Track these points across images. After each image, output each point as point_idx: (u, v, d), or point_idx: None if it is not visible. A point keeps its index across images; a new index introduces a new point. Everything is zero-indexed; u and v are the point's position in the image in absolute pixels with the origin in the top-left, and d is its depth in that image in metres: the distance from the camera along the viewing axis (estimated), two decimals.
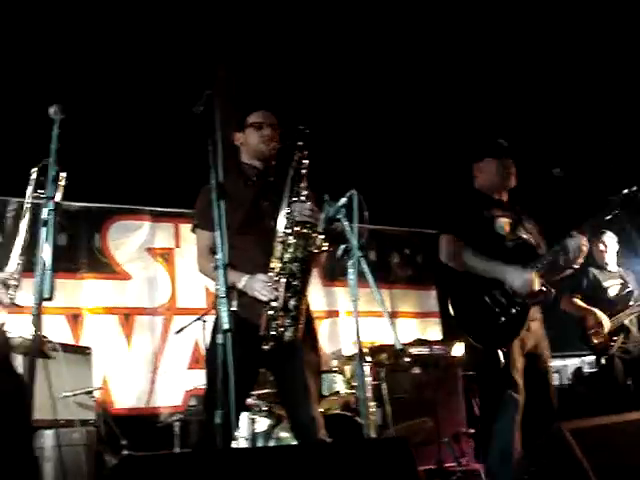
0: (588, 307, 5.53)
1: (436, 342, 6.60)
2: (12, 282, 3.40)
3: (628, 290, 5.64)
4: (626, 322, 5.53)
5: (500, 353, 3.61)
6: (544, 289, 3.71)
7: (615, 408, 3.34)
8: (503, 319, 3.69)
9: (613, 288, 5.70)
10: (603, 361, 5.53)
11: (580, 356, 8.63)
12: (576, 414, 3.63)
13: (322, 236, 3.33)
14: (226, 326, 2.76)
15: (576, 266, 3.84)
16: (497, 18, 5.84)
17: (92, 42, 5.28)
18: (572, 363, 8.23)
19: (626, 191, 3.75)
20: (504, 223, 3.91)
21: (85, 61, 5.36)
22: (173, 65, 5.53)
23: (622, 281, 5.71)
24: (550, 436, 2.69)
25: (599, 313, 5.49)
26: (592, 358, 8.37)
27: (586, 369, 8.44)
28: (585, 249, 3.76)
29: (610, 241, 5.68)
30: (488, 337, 3.70)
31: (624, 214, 3.77)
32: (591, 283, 5.67)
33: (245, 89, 5.03)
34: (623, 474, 2.65)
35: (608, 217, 3.78)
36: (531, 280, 3.66)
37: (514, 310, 3.69)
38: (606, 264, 5.74)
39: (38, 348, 3.20)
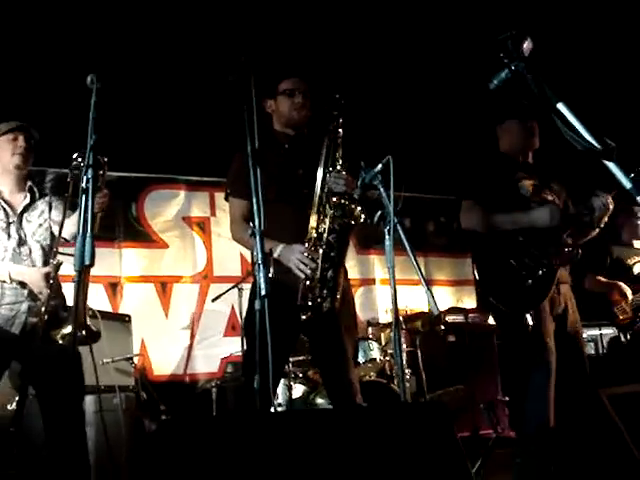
0: (612, 282, 5.44)
1: (471, 310, 6.59)
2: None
3: None
4: None
5: (528, 317, 3.56)
6: (571, 249, 3.68)
7: None
8: (530, 282, 3.61)
9: (637, 265, 5.58)
10: (626, 337, 5.45)
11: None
12: (612, 383, 3.62)
13: (359, 207, 3.31)
14: (264, 292, 2.78)
15: (601, 225, 3.79)
16: None
17: (128, 11, 5.28)
18: (608, 332, 8.17)
19: None
20: (528, 185, 3.84)
21: (121, 30, 5.35)
22: (208, 32, 5.51)
23: None
24: (588, 401, 2.69)
25: (624, 286, 5.40)
26: None
27: (623, 338, 8.38)
28: (611, 207, 3.72)
29: None
30: (516, 301, 3.64)
31: None
32: (614, 261, 5.57)
33: (278, 56, 4.99)
34: None
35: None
36: (558, 212, 3.64)
37: (541, 272, 3.62)
38: (633, 241, 5.62)
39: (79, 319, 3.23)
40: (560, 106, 1.98)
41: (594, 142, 1.94)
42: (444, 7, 5.81)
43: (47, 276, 3.46)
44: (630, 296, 5.36)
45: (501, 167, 3.90)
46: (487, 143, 4.14)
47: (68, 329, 3.32)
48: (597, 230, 3.84)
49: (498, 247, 3.72)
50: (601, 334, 7.25)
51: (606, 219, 3.78)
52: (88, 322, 3.52)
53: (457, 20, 5.94)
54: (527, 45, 2.06)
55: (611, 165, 1.95)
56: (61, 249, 3.55)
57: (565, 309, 3.76)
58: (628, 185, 1.93)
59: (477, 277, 3.82)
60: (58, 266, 3.50)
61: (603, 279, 5.50)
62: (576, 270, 4.19)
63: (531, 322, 3.56)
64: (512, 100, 3.97)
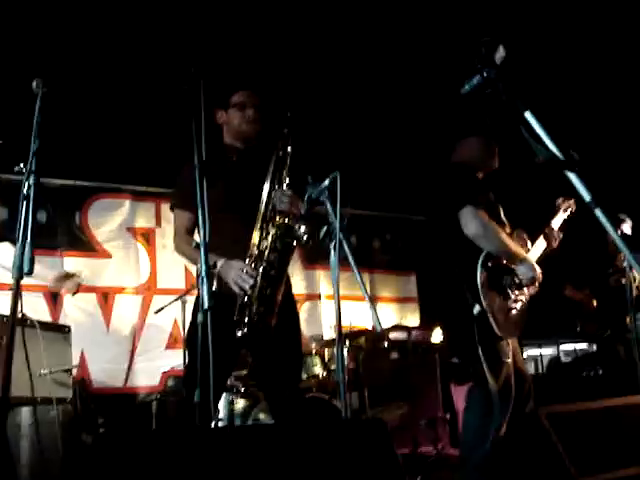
0: (589, 294, 5.46)
1: (415, 328, 6.63)
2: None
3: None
4: None
5: (508, 343, 3.48)
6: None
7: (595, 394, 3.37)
8: (514, 306, 3.55)
9: (613, 278, 5.60)
10: (594, 348, 5.52)
11: (558, 345, 8.74)
12: (551, 401, 3.67)
13: (303, 227, 3.30)
14: (206, 305, 2.75)
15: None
16: None
17: (75, 16, 5.21)
18: (547, 352, 8.32)
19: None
20: (501, 210, 3.82)
21: (68, 35, 5.28)
22: (158, 41, 5.47)
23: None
24: (526, 420, 2.72)
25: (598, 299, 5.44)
26: (569, 347, 8.44)
27: (563, 358, 8.54)
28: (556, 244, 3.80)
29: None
30: (505, 324, 3.48)
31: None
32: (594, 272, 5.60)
33: (231, 69, 4.98)
34: (595, 457, 2.68)
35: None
36: (538, 276, 3.59)
37: (524, 299, 3.60)
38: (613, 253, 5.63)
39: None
40: (527, 115, 2.01)
41: (558, 152, 1.97)
42: (394, 23, 5.86)
43: None
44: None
45: (482, 182, 3.81)
46: (437, 161, 4.14)
47: None
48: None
49: (494, 262, 3.57)
50: (541, 354, 7.38)
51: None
52: None
53: (406, 37, 6.01)
54: (500, 53, 2.08)
55: (572, 176, 1.98)
56: None
57: None
58: (587, 197, 1.96)
59: (478, 285, 3.47)
60: None
61: (580, 291, 5.54)
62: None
63: (510, 348, 3.50)
64: (475, 120, 4.00)
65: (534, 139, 1.99)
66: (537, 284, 3.60)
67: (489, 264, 3.51)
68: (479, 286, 3.43)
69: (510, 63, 2.09)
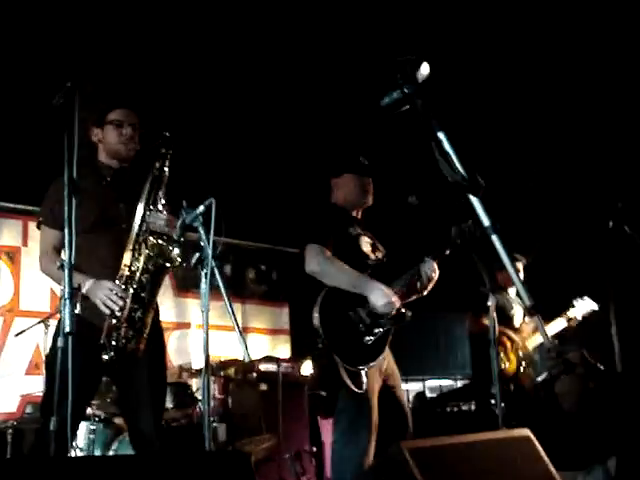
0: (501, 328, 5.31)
1: (285, 359, 6.62)
2: None
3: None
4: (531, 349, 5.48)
5: (363, 373, 3.52)
6: (404, 311, 3.66)
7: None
8: (368, 339, 3.59)
9: (517, 316, 5.62)
10: (509, 388, 5.45)
11: (423, 380, 8.95)
12: (418, 435, 3.71)
13: (177, 249, 3.25)
14: (68, 329, 2.64)
15: (425, 292, 3.88)
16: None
17: None
18: (414, 387, 8.51)
19: (463, 225, 3.87)
20: (366, 242, 3.88)
21: None
22: (32, 54, 5.29)
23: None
24: (389, 455, 2.74)
25: (510, 332, 5.43)
26: (434, 383, 8.67)
27: (428, 393, 8.75)
28: (435, 275, 3.84)
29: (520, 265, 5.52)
30: (354, 356, 3.55)
31: (462, 245, 3.85)
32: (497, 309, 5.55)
33: (107, 85, 4.86)
34: None
35: (448, 248, 3.90)
36: (394, 302, 3.59)
37: (377, 330, 3.62)
38: (508, 288, 5.62)
39: None
40: (440, 135, 2.05)
41: (465, 176, 2.01)
42: (278, 44, 5.89)
43: None
44: (517, 340, 5.42)
45: (341, 218, 3.89)
46: (314, 194, 4.18)
47: None
48: (422, 294, 3.92)
49: (338, 297, 3.62)
50: (407, 390, 7.52)
51: (430, 287, 3.84)
52: None
53: (289, 61, 6.06)
54: (423, 71, 2.12)
55: (475, 201, 2.02)
56: None
57: (389, 367, 3.80)
58: (486, 222, 2.01)
59: (317, 326, 3.56)
60: None
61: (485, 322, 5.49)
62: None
63: (365, 379, 3.55)
64: (350, 156, 4.06)
65: (445, 160, 2.03)
66: (393, 310, 3.62)
67: (336, 298, 3.60)
68: (318, 325, 3.52)
69: (431, 82, 2.12)
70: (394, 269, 3.91)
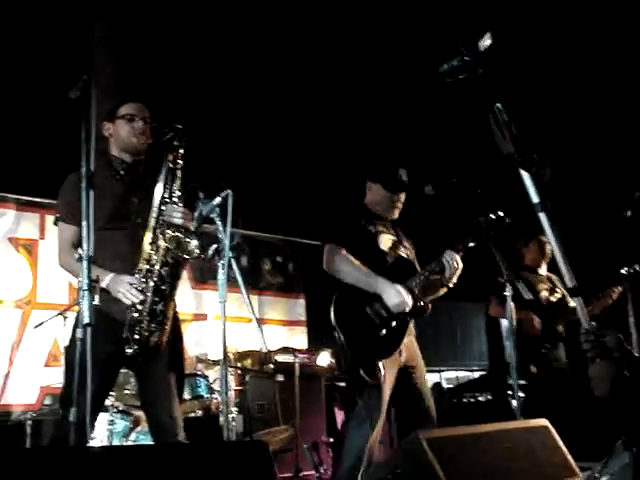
0: (522, 311, 5.12)
1: (301, 350, 6.63)
2: None
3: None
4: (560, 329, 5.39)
5: (380, 365, 3.57)
6: (422, 304, 3.72)
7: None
8: (384, 331, 3.66)
9: (544, 293, 5.56)
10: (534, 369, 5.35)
11: (440, 372, 8.92)
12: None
13: (194, 241, 3.25)
14: (86, 320, 2.66)
15: (451, 285, 3.88)
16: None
17: None
18: (431, 378, 8.47)
19: (492, 215, 3.85)
20: (387, 239, 3.93)
21: None
22: (48, 47, 5.31)
23: (551, 285, 5.57)
24: (407, 445, 2.74)
25: (535, 317, 5.34)
26: (451, 374, 8.65)
27: (445, 384, 8.72)
28: (459, 266, 3.83)
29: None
30: (369, 349, 3.63)
31: (489, 237, 3.84)
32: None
33: (122, 77, 4.87)
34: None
35: (473, 241, 3.88)
36: (405, 302, 3.64)
37: (394, 323, 3.68)
38: (537, 268, 5.59)
39: None
40: (498, 106, 2.03)
41: (519, 150, 1.99)
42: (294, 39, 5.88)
43: None
44: (538, 326, 5.29)
45: (363, 217, 3.96)
46: (334, 191, 4.20)
47: None
48: (446, 288, 3.92)
49: (355, 294, 3.72)
50: None
51: (455, 279, 3.85)
52: None
53: (308, 53, 6.05)
54: (485, 41, 2.10)
55: (526, 176, 2.00)
56: None
57: (410, 359, 3.83)
58: (535, 199, 1.99)
59: (333, 321, 3.68)
60: None
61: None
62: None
63: (382, 371, 3.58)
64: (388, 168, 4.05)
65: (500, 132, 2.01)
66: (406, 308, 3.66)
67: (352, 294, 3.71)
68: (333, 320, 3.64)
69: (493, 53, 2.10)
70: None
